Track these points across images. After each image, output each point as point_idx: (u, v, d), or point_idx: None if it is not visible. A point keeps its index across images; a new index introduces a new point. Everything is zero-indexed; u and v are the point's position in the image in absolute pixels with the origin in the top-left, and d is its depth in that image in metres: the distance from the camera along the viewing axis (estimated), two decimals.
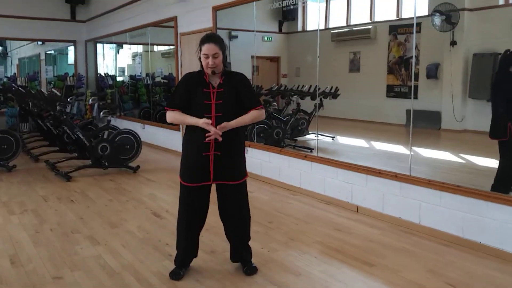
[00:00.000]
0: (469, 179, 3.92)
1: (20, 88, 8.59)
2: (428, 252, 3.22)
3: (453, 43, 5.14)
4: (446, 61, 5.35)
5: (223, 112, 2.63)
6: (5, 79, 10.35)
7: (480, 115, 5.02)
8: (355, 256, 3.15)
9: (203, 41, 2.63)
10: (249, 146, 5.58)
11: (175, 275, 2.80)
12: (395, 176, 3.83)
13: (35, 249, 3.30)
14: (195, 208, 2.77)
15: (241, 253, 2.89)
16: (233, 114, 2.67)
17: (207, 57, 2.59)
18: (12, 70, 13.80)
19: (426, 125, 5.35)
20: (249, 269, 2.85)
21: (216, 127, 2.58)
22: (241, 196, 2.81)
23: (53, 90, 8.03)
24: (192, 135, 2.69)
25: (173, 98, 2.75)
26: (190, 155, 2.70)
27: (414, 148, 4.01)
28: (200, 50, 2.63)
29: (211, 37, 2.64)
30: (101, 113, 6.46)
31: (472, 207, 3.28)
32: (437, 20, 4.97)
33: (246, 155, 2.88)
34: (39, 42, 11.60)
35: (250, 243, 2.94)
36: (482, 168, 3.98)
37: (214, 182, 2.71)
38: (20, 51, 13.57)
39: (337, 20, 7.03)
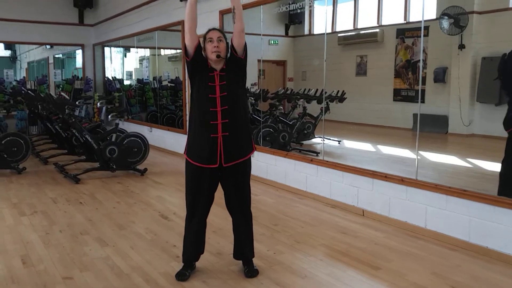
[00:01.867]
0: (476, 183, 3.91)
1: (29, 91, 8.71)
2: (434, 256, 3.22)
3: (462, 46, 5.13)
4: (454, 64, 5.35)
5: (228, 92, 2.67)
6: (14, 83, 10.49)
7: (488, 120, 5.01)
8: (360, 259, 3.16)
9: (207, 30, 2.74)
10: (255, 150, 5.61)
11: (181, 275, 2.83)
12: (401, 180, 3.84)
13: (46, 250, 3.35)
14: (201, 188, 2.75)
15: (244, 249, 2.89)
16: (237, 93, 2.72)
17: (212, 41, 2.67)
18: (22, 73, 13.97)
19: (433, 129, 5.35)
20: (250, 272, 2.87)
21: (222, 108, 2.62)
22: (246, 173, 2.83)
23: (62, 93, 8.12)
24: (199, 114, 2.69)
25: None
26: (198, 136, 2.71)
27: (420, 152, 4.01)
28: (205, 39, 2.71)
29: (214, 27, 2.79)
30: (109, 117, 6.53)
31: (478, 212, 3.28)
32: (445, 23, 4.97)
33: (252, 158, 2.91)
34: (48, 46, 11.74)
35: (255, 245, 2.96)
36: (489, 173, 3.97)
37: (223, 165, 2.69)
38: (29, 55, 13.74)
39: (344, 24, 7.05)
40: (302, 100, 6.23)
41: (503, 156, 3.37)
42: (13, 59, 14.51)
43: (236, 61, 2.75)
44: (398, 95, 6.17)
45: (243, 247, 2.90)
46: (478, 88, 5.09)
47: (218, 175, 2.77)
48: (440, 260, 3.16)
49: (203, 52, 2.71)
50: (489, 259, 3.15)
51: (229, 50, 2.74)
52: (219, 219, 3.78)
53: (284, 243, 3.47)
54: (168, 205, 4.62)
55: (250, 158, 2.84)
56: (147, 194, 5.10)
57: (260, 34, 5.64)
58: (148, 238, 3.60)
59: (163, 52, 9.55)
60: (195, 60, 2.70)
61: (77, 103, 7.77)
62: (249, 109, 6.57)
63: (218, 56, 2.65)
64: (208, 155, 2.67)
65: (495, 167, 3.49)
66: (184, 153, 2.80)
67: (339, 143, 6.09)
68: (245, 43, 2.74)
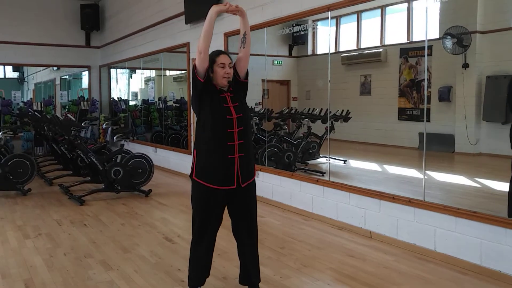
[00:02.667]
0: (486, 204, 3.84)
1: (36, 113, 8.78)
2: (444, 280, 3.15)
3: (466, 65, 5.12)
4: (459, 83, 5.33)
5: (242, 113, 2.69)
6: (21, 104, 10.61)
7: (495, 138, 4.96)
8: (369, 283, 3.09)
9: (217, 53, 2.71)
10: (260, 170, 5.58)
11: None
12: (409, 202, 3.79)
13: (49, 273, 3.31)
14: (212, 211, 2.70)
15: (251, 274, 2.83)
16: (247, 114, 2.77)
17: (223, 66, 2.66)
18: (29, 95, 14.14)
19: (439, 148, 5.30)
20: None
21: (238, 129, 2.63)
22: (255, 193, 2.83)
23: (68, 115, 8.19)
24: (214, 136, 2.65)
25: None
26: (212, 158, 2.66)
27: (427, 172, 3.97)
28: (214, 62, 2.67)
29: (223, 51, 2.78)
30: (114, 138, 6.55)
31: (489, 234, 3.21)
32: (449, 43, 4.99)
33: (256, 178, 2.91)
34: (55, 68, 11.90)
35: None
36: (499, 193, 3.91)
37: (241, 186, 2.68)
38: (36, 76, 13.94)
39: (348, 44, 7.10)
40: (306, 119, 6.22)
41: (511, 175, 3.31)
42: (20, 80, 14.72)
43: (239, 84, 2.78)
44: (403, 114, 6.15)
45: (250, 272, 2.84)
46: (484, 106, 5.06)
47: (227, 197, 2.73)
48: (451, 284, 3.08)
49: (210, 74, 2.71)
50: (503, 284, 3.07)
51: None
52: (224, 241, 3.73)
53: (291, 267, 3.41)
54: (173, 227, 4.57)
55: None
56: (152, 216, 5.06)
57: (264, 55, 5.69)
58: (153, 262, 3.56)
59: (168, 73, 9.64)
60: (207, 81, 2.69)
61: (82, 124, 7.82)
62: (253, 129, 6.58)
63: (229, 82, 2.69)
64: (224, 176, 2.65)
65: (505, 187, 3.43)
66: (192, 175, 2.72)
67: (344, 163, 6.05)
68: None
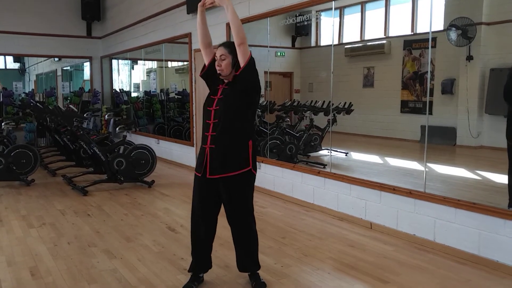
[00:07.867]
0: (485, 196, 3.87)
1: (38, 104, 8.80)
2: (443, 270, 3.18)
3: (470, 58, 5.10)
4: (462, 76, 5.32)
5: (221, 106, 2.67)
6: (23, 95, 10.62)
7: (497, 131, 4.96)
8: (369, 273, 3.13)
9: (217, 47, 2.77)
10: (262, 162, 5.61)
11: None
12: (410, 193, 3.81)
13: (54, 261, 3.36)
14: (195, 197, 2.91)
15: (243, 261, 2.88)
16: (232, 108, 2.67)
17: (216, 59, 2.72)
18: (30, 86, 14.13)
19: (441, 141, 5.31)
20: (257, 285, 2.85)
21: (213, 121, 2.68)
22: (236, 190, 2.91)
23: (70, 105, 8.20)
24: (202, 125, 2.82)
25: None
26: (200, 145, 2.81)
27: (429, 164, 3.99)
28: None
29: (222, 43, 2.80)
30: (117, 129, 6.57)
31: (488, 225, 3.24)
32: (453, 34, 4.96)
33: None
34: (56, 59, 11.88)
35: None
36: (499, 185, 3.93)
37: (206, 176, 2.82)
38: (37, 67, 13.91)
39: (351, 35, 7.07)
40: (309, 112, 6.23)
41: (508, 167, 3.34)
42: (21, 71, 14.69)
43: (241, 73, 2.66)
44: (406, 107, 6.15)
45: (243, 259, 2.89)
46: (486, 99, 5.06)
47: (212, 188, 2.75)
48: (449, 274, 3.11)
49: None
50: (500, 274, 3.10)
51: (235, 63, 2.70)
52: (227, 231, 3.76)
53: (292, 256, 3.45)
54: (175, 217, 4.61)
55: (245, 175, 2.72)
56: (154, 206, 5.10)
57: (267, 46, 5.67)
58: (156, 251, 3.60)
59: (170, 64, 9.63)
60: (207, 75, 2.80)
61: (85, 115, 7.84)
62: (255, 121, 6.57)
63: (219, 75, 2.72)
64: (200, 164, 2.76)
65: (505, 179, 3.45)
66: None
67: (346, 155, 6.07)
68: (249, 58, 2.65)
